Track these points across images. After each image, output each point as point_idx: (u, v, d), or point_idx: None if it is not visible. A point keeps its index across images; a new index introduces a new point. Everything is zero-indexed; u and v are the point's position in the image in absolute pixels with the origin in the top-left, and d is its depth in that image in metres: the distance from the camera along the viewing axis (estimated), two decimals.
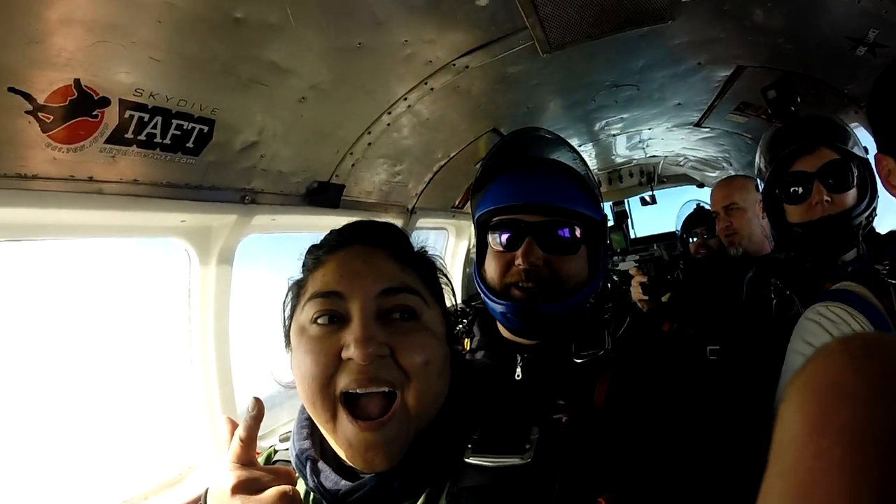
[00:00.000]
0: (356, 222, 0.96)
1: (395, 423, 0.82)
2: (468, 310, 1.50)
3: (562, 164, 1.36)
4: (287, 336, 0.93)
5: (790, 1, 1.89)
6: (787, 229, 1.62)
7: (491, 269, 1.30)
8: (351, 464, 0.84)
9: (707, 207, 3.18)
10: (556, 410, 1.20)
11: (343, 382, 0.81)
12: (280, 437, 1.05)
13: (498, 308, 1.28)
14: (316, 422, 0.86)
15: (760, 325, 1.82)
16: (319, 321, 0.84)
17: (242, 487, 0.79)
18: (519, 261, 1.23)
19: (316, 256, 0.92)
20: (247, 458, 0.83)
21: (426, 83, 2.12)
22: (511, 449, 0.84)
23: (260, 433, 1.82)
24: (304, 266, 0.94)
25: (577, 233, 1.28)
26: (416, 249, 0.96)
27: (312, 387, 0.82)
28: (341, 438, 0.82)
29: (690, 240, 3.15)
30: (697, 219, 3.14)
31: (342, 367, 0.82)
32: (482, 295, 1.33)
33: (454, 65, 2.06)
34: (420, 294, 0.89)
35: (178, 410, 1.83)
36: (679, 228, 3.37)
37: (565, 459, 0.85)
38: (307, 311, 0.86)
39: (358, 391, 0.81)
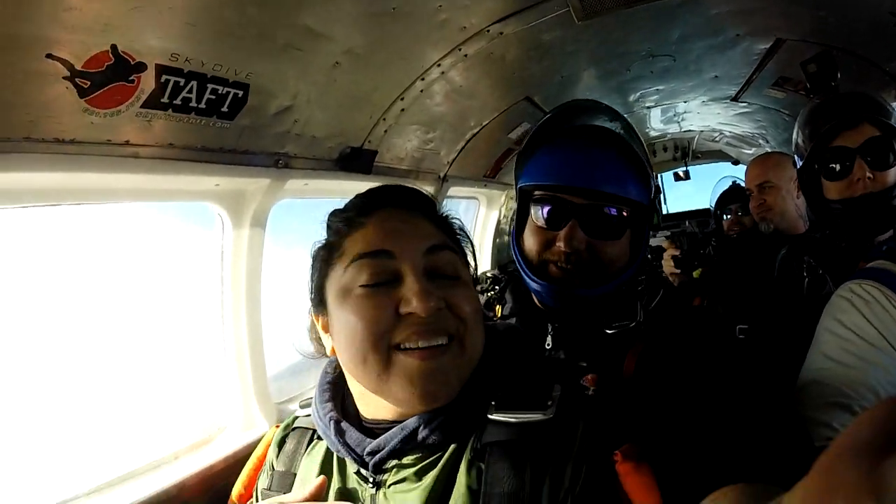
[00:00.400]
0: (384, 186, 0.98)
1: (452, 354, 0.85)
2: (501, 276, 1.49)
3: (616, 136, 1.28)
4: (317, 300, 0.95)
5: None
6: (825, 206, 1.56)
7: (530, 242, 1.28)
8: (407, 405, 0.86)
9: (742, 185, 3.09)
10: (583, 373, 1.19)
11: (402, 336, 0.83)
12: (300, 404, 1.08)
13: (534, 286, 1.26)
14: (364, 379, 0.87)
15: (791, 304, 1.79)
16: (369, 282, 0.85)
17: None
18: (560, 243, 1.19)
19: (347, 218, 0.93)
20: None
21: (460, 49, 2.07)
22: (533, 405, 0.86)
23: (287, 397, 1.88)
24: (331, 230, 0.95)
25: (624, 217, 1.23)
26: (441, 214, 0.99)
27: (366, 343, 0.83)
28: (398, 381, 0.83)
29: (724, 216, 3.08)
30: (732, 196, 3.07)
31: (400, 323, 0.83)
32: (519, 267, 1.31)
33: (488, 31, 2.01)
34: (457, 253, 0.93)
35: (210, 372, 1.87)
36: (713, 205, 3.29)
37: (586, 416, 0.86)
38: (351, 273, 0.87)
39: (420, 344, 0.83)
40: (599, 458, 0.82)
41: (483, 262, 3.89)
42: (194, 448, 1.69)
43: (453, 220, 1.01)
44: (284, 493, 0.97)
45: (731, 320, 2.01)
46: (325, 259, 0.93)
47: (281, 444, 1.06)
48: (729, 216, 3.04)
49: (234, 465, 1.60)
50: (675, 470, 0.89)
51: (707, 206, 3.81)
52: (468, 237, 1.03)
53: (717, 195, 3.21)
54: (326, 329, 0.95)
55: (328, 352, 0.96)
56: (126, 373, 1.65)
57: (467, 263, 0.97)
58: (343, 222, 0.93)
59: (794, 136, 1.64)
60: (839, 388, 1.14)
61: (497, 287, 1.46)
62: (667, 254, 2.64)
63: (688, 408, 1.06)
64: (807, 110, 1.62)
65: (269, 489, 1.00)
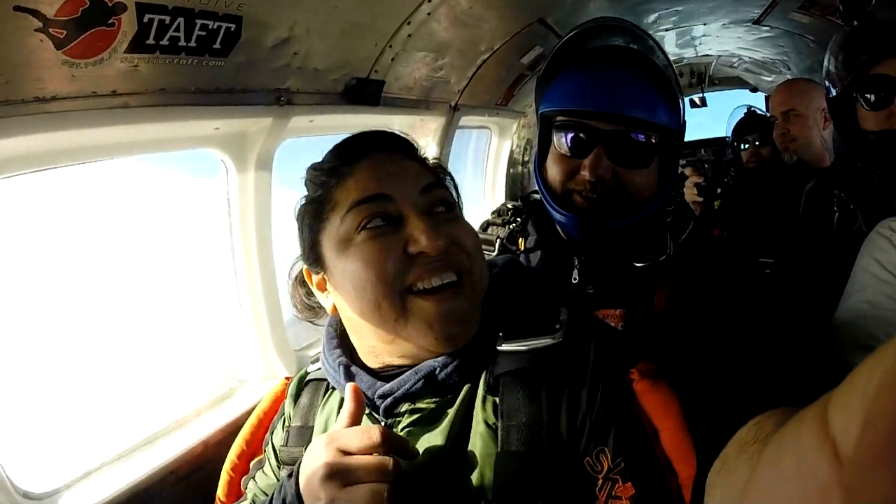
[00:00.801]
0: (361, 133, 0.96)
1: (465, 292, 0.85)
2: (522, 207, 1.43)
3: (644, 57, 1.20)
4: (312, 257, 0.92)
5: None
6: (861, 137, 1.44)
7: (553, 171, 1.22)
8: (426, 350, 0.85)
9: (759, 112, 2.98)
10: (602, 303, 1.19)
11: (414, 276, 0.82)
12: (311, 360, 1.07)
13: (558, 217, 1.22)
14: (379, 326, 0.86)
15: (820, 240, 1.74)
16: (370, 226, 0.83)
17: (335, 476, 0.74)
18: (585, 171, 1.14)
19: (331, 169, 0.90)
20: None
21: None
22: (541, 331, 0.86)
23: (306, 343, 1.86)
24: (314, 184, 0.92)
25: (652, 144, 1.16)
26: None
27: (378, 288, 0.81)
28: (417, 326, 0.83)
29: (742, 147, 2.93)
30: (749, 125, 2.92)
31: (412, 264, 0.82)
32: (542, 197, 1.26)
33: None
34: (447, 188, 0.93)
35: (226, 324, 1.85)
36: (730, 134, 3.13)
37: (597, 336, 0.86)
38: (349, 222, 0.84)
39: (434, 282, 0.82)
40: (614, 378, 0.83)
41: (497, 193, 3.80)
42: (216, 403, 1.69)
43: (435, 160, 1.00)
44: (303, 447, 0.96)
45: (752, 252, 1.97)
46: (315, 214, 0.90)
47: (296, 397, 1.05)
48: (747, 147, 2.91)
49: None
50: (706, 398, 0.89)
51: (723, 134, 3.68)
52: (449, 174, 1.01)
53: (733, 125, 3.06)
54: (323, 287, 0.93)
55: (328, 310, 0.95)
56: (142, 333, 1.63)
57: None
58: (327, 174, 0.90)
59: (826, 62, 1.52)
60: (872, 332, 1.11)
61: (519, 219, 1.41)
62: (689, 181, 2.54)
63: (718, 343, 1.06)
64: (843, 35, 1.50)
65: (286, 445, 1.00)
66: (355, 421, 0.81)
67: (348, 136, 0.95)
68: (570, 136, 1.17)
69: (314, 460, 0.77)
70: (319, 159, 0.94)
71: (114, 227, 1.63)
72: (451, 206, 0.90)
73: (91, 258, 1.56)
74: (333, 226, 0.87)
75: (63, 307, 1.47)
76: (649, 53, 1.22)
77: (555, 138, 1.21)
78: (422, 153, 0.98)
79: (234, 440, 1.15)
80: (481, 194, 3.81)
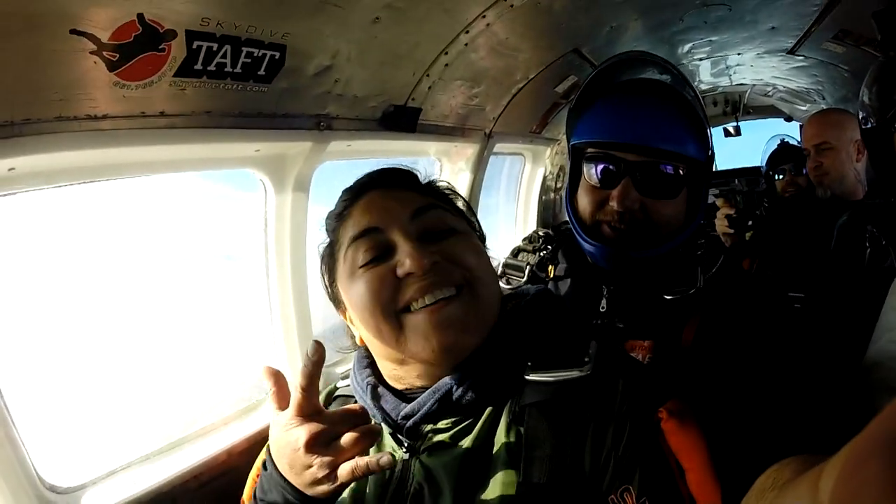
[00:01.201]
0: (366, 173, 1.00)
1: (463, 304, 0.85)
2: (553, 235, 1.44)
3: (671, 90, 1.22)
4: (334, 298, 0.98)
5: None
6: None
7: (584, 202, 1.24)
8: (432, 363, 0.86)
9: (792, 142, 2.93)
10: (629, 335, 1.19)
11: (406, 296, 0.83)
12: (341, 375, 1.09)
13: (587, 247, 1.23)
14: (383, 349, 0.89)
15: (851, 276, 1.69)
16: (365, 259, 0.87)
17: (316, 442, 0.76)
18: (614, 202, 1.16)
19: (338, 214, 0.96)
20: (311, 407, 0.79)
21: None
22: (570, 363, 0.85)
23: (333, 360, 1.87)
24: (328, 229, 0.98)
25: (680, 175, 1.17)
26: (426, 181, 1.00)
27: (375, 311, 0.84)
28: (414, 340, 0.84)
29: (777, 177, 2.88)
30: (784, 155, 2.87)
31: (402, 285, 0.84)
32: (573, 227, 1.27)
33: None
34: (447, 209, 0.94)
35: (257, 338, 1.89)
36: (764, 164, 3.08)
37: (626, 372, 0.85)
38: (349, 258, 0.89)
39: (427, 300, 0.83)
40: (643, 416, 0.81)
41: (529, 219, 3.79)
42: (243, 414, 1.72)
43: (439, 183, 1.02)
44: None
45: (782, 286, 1.91)
46: (329, 256, 0.97)
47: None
48: (783, 176, 2.85)
49: None
50: (733, 439, 0.88)
51: (757, 164, 3.60)
52: (458, 194, 1.04)
53: (768, 154, 3.01)
54: (352, 321, 0.97)
55: (358, 342, 0.99)
56: (178, 341, 1.68)
57: (465, 219, 0.99)
58: (335, 219, 0.97)
59: (862, 93, 1.45)
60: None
61: (550, 246, 1.42)
62: (720, 212, 2.48)
63: (747, 380, 1.04)
64: (880, 66, 1.43)
65: None
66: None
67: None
68: (599, 167, 1.19)
69: (291, 441, 0.78)
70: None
71: (163, 239, 1.70)
72: (448, 226, 0.91)
73: (141, 267, 1.62)
74: (341, 264, 0.92)
75: (108, 311, 1.54)
76: (677, 86, 1.24)
77: (585, 170, 1.23)
78: (426, 178, 1.01)
79: (258, 451, 1.16)
80: (513, 220, 3.80)
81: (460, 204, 1.02)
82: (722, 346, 1.09)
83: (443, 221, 0.91)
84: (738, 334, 1.10)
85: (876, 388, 1.08)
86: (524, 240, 1.50)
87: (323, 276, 0.99)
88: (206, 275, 1.84)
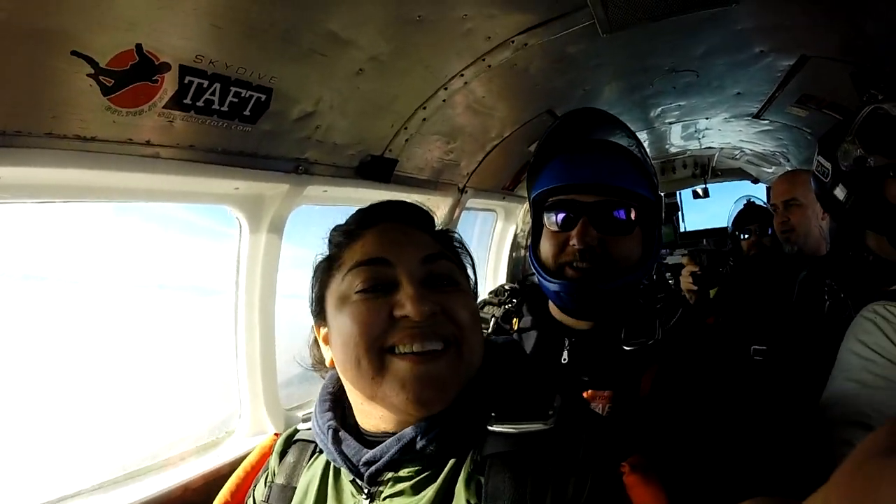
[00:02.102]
0: (385, 201, 1.01)
1: (449, 360, 0.84)
2: (518, 287, 1.50)
3: (618, 145, 1.33)
4: (318, 311, 0.96)
5: None
6: (888, 209, 1.41)
7: (546, 248, 1.30)
8: (402, 412, 0.84)
9: (759, 203, 3.07)
10: (590, 386, 1.21)
11: (395, 338, 0.83)
12: (302, 418, 1.07)
13: (552, 287, 1.27)
14: (355, 385, 0.88)
15: (811, 327, 1.75)
16: (366, 288, 0.86)
17: None
18: (574, 241, 1.22)
19: (347, 231, 0.96)
20: None
21: (484, 59, 2.05)
22: (534, 415, 0.84)
23: (297, 404, 1.84)
24: (331, 243, 0.98)
25: (633, 213, 1.26)
26: (439, 228, 1.01)
27: (360, 346, 0.83)
28: (391, 385, 0.83)
29: (742, 237, 3.01)
30: (750, 215, 3.01)
31: (394, 327, 0.84)
32: (537, 274, 1.33)
33: (513, 42, 1.98)
34: (455, 263, 0.95)
35: (220, 376, 1.86)
36: (730, 224, 3.23)
37: (589, 426, 0.85)
38: (349, 281, 0.88)
39: (414, 348, 0.82)
40: (605, 470, 0.80)
41: (499, 275, 3.86)
42: (201, 451, 1.67)
43: (452, 234, 1.03)
44: None
45: (745, 340, 1.98)
46: (325, 269, 0.95)
47: (282, 455, 1.04)
48: (748, 236, 2.98)
49: None
50: (690, 486, 0.89)
51: (724, 224, 3.77)
52: (467, 250, 1.04)
53: (734, 214, 3.16)
54: (327, 341, 0.96)
55: (328, 363, 0.97)
56: (138, 371, 1.64)
57: (467, 276, 0.99)
58: (343, 235, 0.96)
59: (849, 144, 1.49)
60: (860, 409, 1.13)
61: (515, 300, 1.47)
62: (685, 270, 2.59)
63: (704, 427, 1.07)
64: (870, 117, 1.46)
65: (266, 501, 0.99)
66: None
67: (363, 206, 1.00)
68: (559, 213, 1.27)
69: None
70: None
71: (138, 266, 1.69)
72: (453, 279, 0.92)
73: (112, 292, 1.60)
74: (336, 283, 0.91)
75: (67, 333, 1.49)
76: (622, 139, 1.34)
77: (545, 218, 1.31)
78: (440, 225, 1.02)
79: (214, 489, 1.13)
80: (483, 276, 3.85)
81: (466, 259, 1.02)
82: (678, 395, 1.13)
83: (449, 273, 0.92)
84: (695, 383, 1.14)
85: (837, 423, 1.14)
86: (490, 293, 1.55)
87: (312, 287, 0.98)
88: (177, 307, 1.81)
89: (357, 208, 1.00)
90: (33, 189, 1.23)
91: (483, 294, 1.57)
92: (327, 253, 0.98)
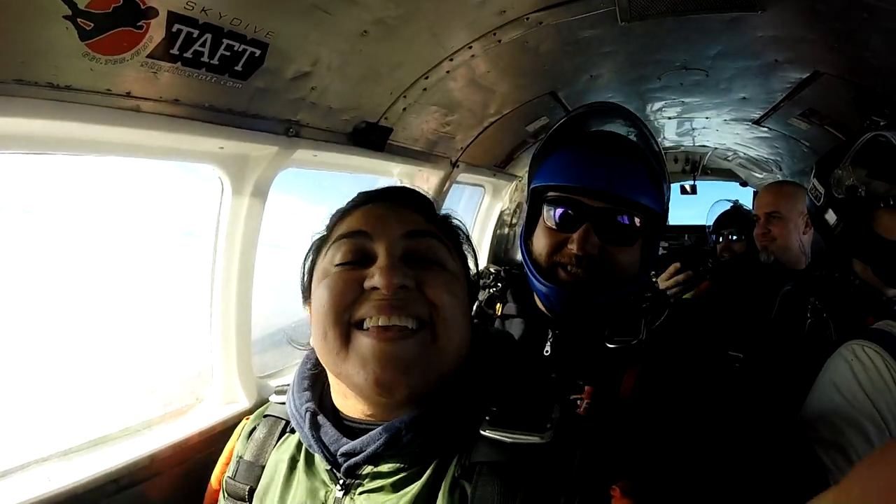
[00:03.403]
0: (387, 187, 0.99)
1: (418, 343, 0.80)
2: (503, 274, 1.45)
3: (634, 145, 1.26)
4: (306, 287, 0.94)
5: (890, 16, 1.67)
6: (879, 244, 1.39)
7: (540, 244, 1.25)
8: (362, 396, 0.82)
9: (744, 209, 3.10)
10: (576, 391, 1.17)
11: (363, 311, 0.79)
12: (276, 390, 1.03)
13: (541, 288, 1.23)
14: (325, 359, 0.85)
15: (790, 342, 1.77)
16: (344, 261, 0.83)
17: None
18: (573, 245, 1.17)
19: (343, 210, 0.94)
20: None
21: (495, 34, 1.97)
22: (531, 426, 0.80)
23: (269, 372, 1.79)
24: (329, 222, 0.96)
25: (638, 224, 1.21)
26: (441, 214, 0.98)
27: (329, 313, 0.80)
28: (354, 361, 0.79)
29: (717, 239, 3.04)
30: (729, 219, 3.02)
31: (364, 298, 0.80)
32: (526, 269, 1.28)
33: (527, 19, 1.91)
34: (445, 244, 0.89)
35: (193, 341, 1.79)
36: (710, 225, 3.23)
37: (584, 443, 0.80)
38: (331, 255, 0.86)
39: (380, 322, 0.78)
40: (595, 492, 0.76)
41: (482, 252, 3.83)
42: (169, 418, 1.60)
43: (454, 220, 0.99)
44: (251, 486, 0.94)
45: (722, 345, 2.00)
46: (316, 248, 0.95)
47: (251, 432, 1.01)
48: (722, 240, 3.01)
49: (211, 439, 1.54)
50: (678, 495, 0.89)
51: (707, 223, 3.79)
52: (469, 240, 1.01)
53: (716, 215, 3.16)
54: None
55: (311, 341, 0.93)
56: (105, 333, 1.56)
57: (461, 262, 0.95)
58: (337, 215, 0.96)
59: (842, 170, 1.50)
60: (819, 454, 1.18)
61: (500, 284, 1.43)
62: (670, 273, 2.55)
63: (688, 438, 1.05)
64: (868, 144, 1.45)
65: (234, 478, 0.97)
66: None
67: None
68: (559, 211, 1.22)
69: None
70: None
71: (106, 220, 1.59)
72: (437, 258, 0.88)
73: (78, 249, 1.51)
74: (321, 258, 0.89)
75: (30, 288, 1.41)
76: (641, 141, 1.28)
77: (545, 212, 1.25)
78: (445, 211, 1.00)
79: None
80: None
81: (467, 249, 0.99)
82: (660, 400, 1.11)
83: (433, 251, 0.88)
84: (678, 388, 1.12)
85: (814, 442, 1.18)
86: (473, 275, 1.50)
87: (304, 265, 0.97)
88: (150, 268, 1.72)
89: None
90: (2, 139, 1.12)
91: None
92: (322, 232, 0.97)
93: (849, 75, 2.17)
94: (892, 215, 1.37)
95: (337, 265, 0.85)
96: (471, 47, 1.98)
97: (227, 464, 1.03)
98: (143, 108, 1.27)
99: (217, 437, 1.54)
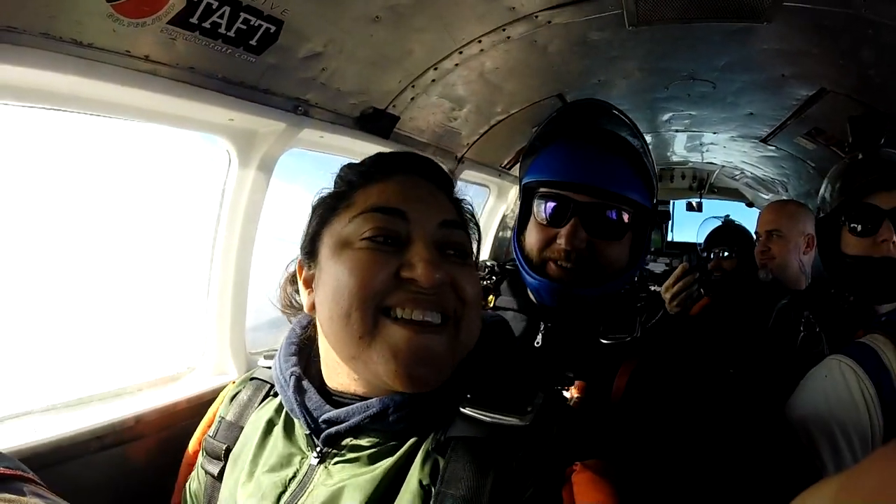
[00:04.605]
0: (409, 152, 0.94)
1: (445, 339, 0.79)
2: (497, 268, 1.48)
3: (622, 139, 1.28)
4: (309, 249, 0.89)
5: (892, 32, 1.70)
6: (840, 259, 1.51)
7: (531, 239, 1.27)
8: (384, 382, 0.78)
9: (735, 224, 3.09)
10: (564, 382, 1.19)
11: (396, 299, 0.78)
12: (264, 355, 1.03)
13: (532, 283, 1.26)
14: (337, 340, 0.81)
15: (782, 356, 1.79)
16: (374, 236, 0.80)
17: None
18: (562, 240, 1.19)
19: (364, 172, 0.88)
20: None
21: (504, 30, 1.99)
22: (512, 409, 0.79)
23: (262, 349, 1.82)
24: (343, 180, 0.90)
25: (626, 219, 1.23)
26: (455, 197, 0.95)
27: (355, 298, 0.77)
28: (381, 351, 0.77)
29: (709, 256, 3.00)
30: (719, 236, 3.00)
31: (398, 286, 0.78)
32: (518, 264, 1.30)
33: (537, 17, 1.93)
34: (469, 235, 0.90)
35: (189, 309, 1.82)
36: (702, 242, 3.22)
37: (563, 424, 0.80)
38: (357, 225, 0.82)
39: (414, 315, 0.77)
40: (558, 466, 0.75)
41: (483, 252, 3.83)
42: (159, 383, 1.64)
43: (467, 205, 0.97)
44: (228, 446, 0.93)
45: (717, 355, 2.02)
46: (329, 207, 0.88)
47: (235, 395, 1.01)
48: (713, 257, 2.97)
49: (198, 407, 1.55)
50: (664, 495, 0.89)
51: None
52: (477, 225, 0.98)
53: (707, 232, 3.13)
54: (308, 283, 0.89)
55: (306, 308, 0.90)
56: (105, 295, 1.59)
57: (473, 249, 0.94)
58: (358, 175, 0.89)
59: (823, 189, 1.59)
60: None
61: (494, 277, 1.46)
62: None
63: (680, 437, 1.07)
64: (844, 165, 1.57)
65: (214, 437, 0.97)
66: None
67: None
68: (549, 205, 1.24)
69: None
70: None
71: (113, 183, 1.62)
72: (465, 251, 0.86)
73: (84, 209, 1.54)
74: (340, 224, 0.84)
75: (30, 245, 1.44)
76: (629, 137, 1.30)
77: (535, 208, 1.27)
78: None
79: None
80: None
81: (474, 235, 0.96)
82: (653, 400, 1.12)
83: (462, 245, 0.86)
84: (670, 389, 1.13)
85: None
86: None
87: (309, 222, 0.91)
88: (152, 233, 1.76)
89: (350, 159, 0.93)
90: (24, 92, 1.15)
91: None
92: (334, 189, 0.91)
93: (853, 94, 2.19)
94: (852, 234, 1.45)
95: (364, 239, 0.80)
96: (480, 41, 2.01)
97: (210, 426, 1.02)
98: (159, 72, 1.31)
99: (204, 406, 1.54)
